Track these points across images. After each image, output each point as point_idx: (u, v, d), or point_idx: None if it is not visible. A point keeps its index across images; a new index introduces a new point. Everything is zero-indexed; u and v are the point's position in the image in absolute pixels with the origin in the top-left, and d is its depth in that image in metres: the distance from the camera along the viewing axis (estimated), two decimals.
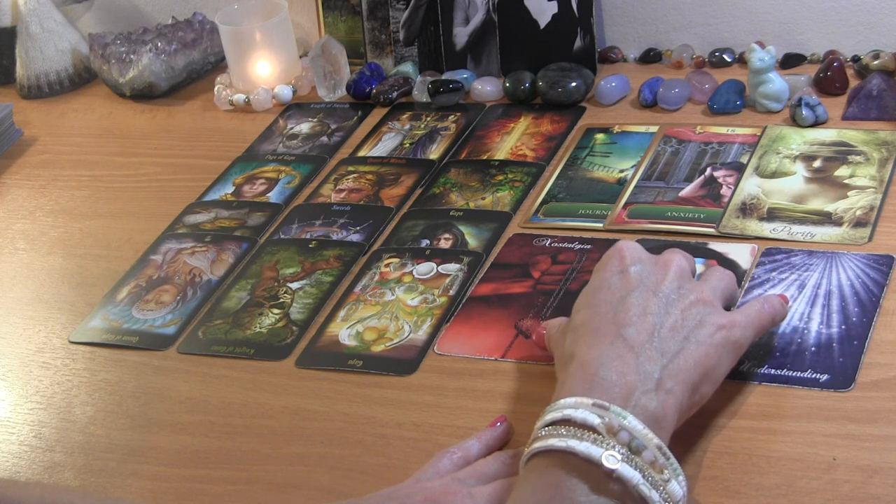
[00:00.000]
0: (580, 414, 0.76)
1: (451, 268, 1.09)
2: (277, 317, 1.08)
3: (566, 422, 0.76)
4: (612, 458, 0.74)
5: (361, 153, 1.31)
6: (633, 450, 0.75)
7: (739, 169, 1.14)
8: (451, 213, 1.17)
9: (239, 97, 1.43)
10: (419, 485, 0.83)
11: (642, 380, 0.79)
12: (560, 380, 0.83)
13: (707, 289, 0.88)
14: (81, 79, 1.57)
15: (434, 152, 1.28)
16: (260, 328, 1.07)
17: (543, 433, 0.77)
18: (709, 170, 1.15)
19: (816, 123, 1.18)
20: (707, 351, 0.83)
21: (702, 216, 1.09)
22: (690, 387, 0.81)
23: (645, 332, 0.82)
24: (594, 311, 0.85)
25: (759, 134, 1.19)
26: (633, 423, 0.75)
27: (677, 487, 0.75)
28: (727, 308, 0.89)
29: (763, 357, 0.91)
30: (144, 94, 1.49)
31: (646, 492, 0.74)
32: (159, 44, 1.48)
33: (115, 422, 1.00)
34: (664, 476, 0.75)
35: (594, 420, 0.75)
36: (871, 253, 1.01)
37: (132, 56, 1.48)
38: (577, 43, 1.33)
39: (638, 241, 1.06)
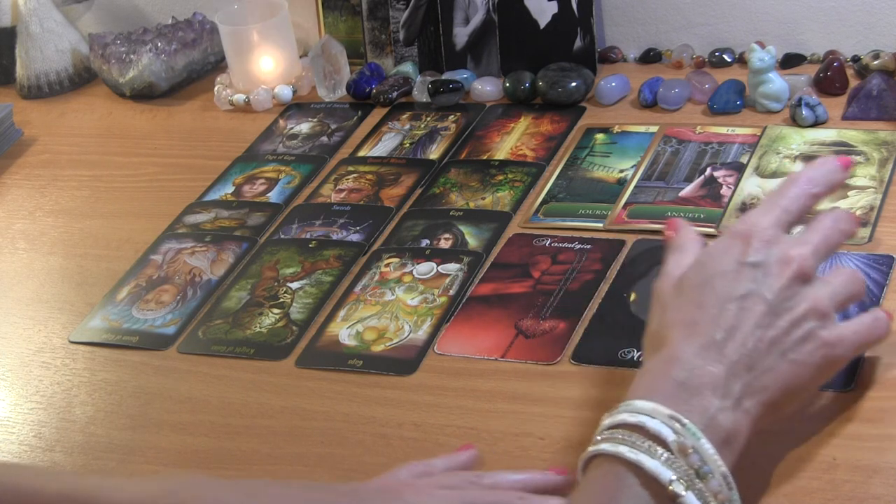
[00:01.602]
0: (655, 425, 0.74)
1: (451, 268, 1.09)
2: (277, 317, 1.08)
3: (639, 429, 0.75)
4: (679, 486, 0.73)
5: (361, 153, 1.30)
6: (700, 475, 0.73)
7: (739, 169, 1.14)
8: (451, 213, 1.17)
9: (239, 97, 1.43)
10: (377, 482, 0.83)
11: (723, 395, 0.77)
12: (644, 367, 0.81)
13: (825, 295, 0.82)
14: (81, 79, 1.57)
15: (434, 152, 1.28)
16: (260, 328, 1.07)
17: (614, 435, 0.75)
18: (709, 170, 1.15)
19: (816, 123, 1.18)
20: (799, 371, 0.79)
21: (702, 216, 1.09)
22: (769, 407, 0.79)
23: (740, 342, 0.79)
24: (700, 299, 0.81)
25: (759, 134, 1.19)
26: (705, 445, 0.74)
27: None
28: (844, 310, 0.85)
29: None
30: (144, 94, 1.49)
31: None
32: (159, 44, 1.48)
33: (115, 422, 1.00)
34: None
35: (668, 435, 0.74)
36: (871, 253, 1.01)
37: (132, 56, 1.47)
38: (577, 43, 1.33)
39: (638, 241, 1.07)
